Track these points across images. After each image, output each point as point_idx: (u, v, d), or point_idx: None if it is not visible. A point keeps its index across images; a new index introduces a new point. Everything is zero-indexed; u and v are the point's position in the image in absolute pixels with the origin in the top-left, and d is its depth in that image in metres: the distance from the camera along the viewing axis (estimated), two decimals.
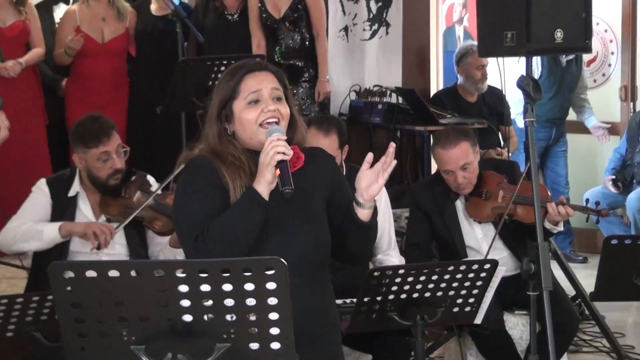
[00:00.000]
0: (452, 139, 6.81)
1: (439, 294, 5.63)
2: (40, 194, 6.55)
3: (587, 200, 6.98)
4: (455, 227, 6.89)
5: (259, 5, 9.16)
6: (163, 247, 6.51)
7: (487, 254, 6.48)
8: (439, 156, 6.85)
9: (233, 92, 4.22)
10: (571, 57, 11.27)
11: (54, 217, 6.47)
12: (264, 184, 4.02)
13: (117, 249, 6.47)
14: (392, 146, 4.07)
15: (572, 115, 12.06)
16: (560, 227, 6.92)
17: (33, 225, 6.34)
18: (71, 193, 6.52)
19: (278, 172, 3.99)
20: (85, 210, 6.52)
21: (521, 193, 6.63)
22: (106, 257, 6.30)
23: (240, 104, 4.21)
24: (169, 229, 6.41)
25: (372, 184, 4.09)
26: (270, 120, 4.18)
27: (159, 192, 6.42)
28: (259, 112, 4.17)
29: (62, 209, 6.51)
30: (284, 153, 4.01)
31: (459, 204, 6.92)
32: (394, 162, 4.08)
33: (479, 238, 6.82)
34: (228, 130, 4.23)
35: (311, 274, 4.21)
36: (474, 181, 6.82)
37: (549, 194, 7.10)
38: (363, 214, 4.15)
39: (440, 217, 6.93)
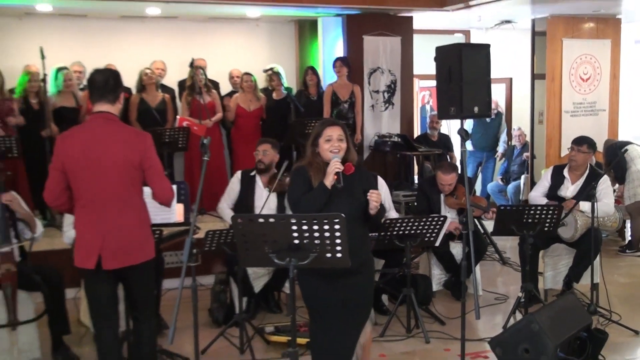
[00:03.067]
0: (448, 171, 6.81)
1: (418, 231, 5.61)
2: (234, 181, 6.54)
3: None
4: (437, 206, 6.85)
5: (332, 94, 9.07)
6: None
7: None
8: (440, 177, 6.80)
9: (320, 133, 4.20)
10: (493, 117, 11.12)
11: (242, 190, 6.48)
12: (328, 182, 4.05)
13: (272, 205, 6.41)
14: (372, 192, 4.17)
15: None
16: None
17: (229, 213, 6.32)
18: (252, 174, 6.48)
19: (336, 177, 4.05)
20: (259, 184, 6.47)
21: (472, 201, 6.66)
22: (266, 210, 6.28)
23: (322, 139, 4.18)
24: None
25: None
26: (334, 150, 4.16)
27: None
28: (330, 145, 4.16)
29: (248, 184, 6.48)
30: (338, 168, 4.05)
31: (442, 196, 6.86)
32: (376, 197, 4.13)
33: (447, 213, 6.68)
34: (316, 150, 4.20)
35: (354, 222, 4.13)
36: (452, 190, 6.77)
37: (485, 201, 7.26)
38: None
39: (432, 200, 6.91)
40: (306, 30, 10.99)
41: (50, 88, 8.24)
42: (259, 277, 6.35)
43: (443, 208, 6.90)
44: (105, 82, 4.18)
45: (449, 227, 6.64)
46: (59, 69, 8.37)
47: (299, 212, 4.19)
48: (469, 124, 11.27)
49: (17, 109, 8.01)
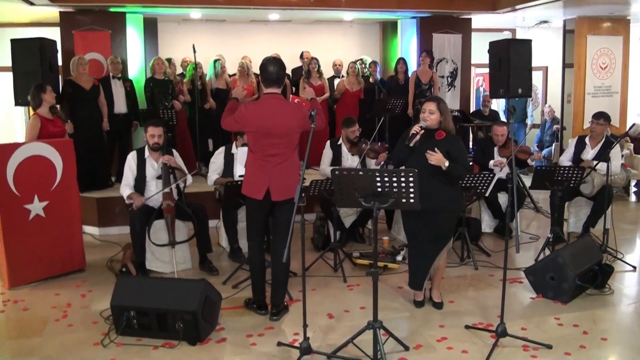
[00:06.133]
0: (501, 124, 6.70)
1: (475, 184, 5.48)
2: (327, 148, 6.48)
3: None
4: (491, 155, 6.60)
5: (416, 78, 8.78)
6: (373, 164, 6.38)
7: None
8: (495, 129, 6.64)
9: (422, 106, 4.29)
10: (523, 99, 10.72)
11: (333, 154, 6.41)
12: (411, 142, 4.16)
13: (354, 164, 6.38)
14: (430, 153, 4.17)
15: None
16: (533, 163, 6.88)
17: (327, 169, 6.33)
18: (338, 143, 6.41)
19: (410, 137, 4.16)
20: (344, 150, 6.41)
21: (520, 148, 6.64)
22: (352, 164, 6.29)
23: (421, 111, 4.25)
24: (375, 157, 6.34)
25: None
26: (426, 119, 4.23)
27: (369, 144, 6.32)
28: (422, 116, 4.24)
29: (337, 151, 6.41)
30: (414, 131, 4.13)
31: (496, 149, 6.63)
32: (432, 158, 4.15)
33: (502, 160, 6.51)
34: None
35: (435, 174, 4.21)
36: (504, 141, 6.57)
37: (529, 149, 6.92)
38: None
39: (486, 151, 6.65)
40: (388, 29, 10.80)
41: (209, 73, 8.42)
42: (348, 215, 6.39)
43: (496, 156, 6.62)
44: (277, 73, 4.24)
45: (493, 164, 6.55)
46: (215, 60, 8.51)
47: (394, 160, 4.43)
48: (501, 103, 11.04)
49: (186, 89, 8.25)
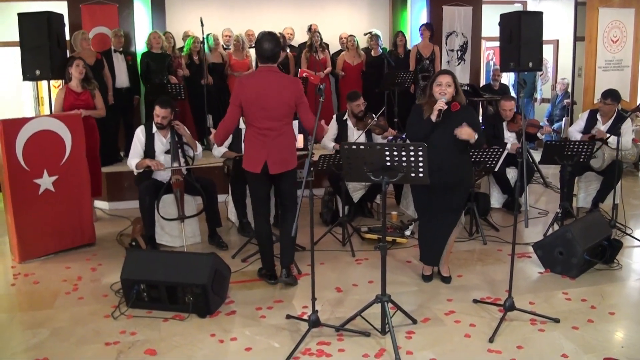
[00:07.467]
0: (508, 99, 6.64)
1: (484, 159, 5.44)
2: (333, 123, 6.43)
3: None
4: (501, 131, 6.57)
5: (417, 53, 8.77)
6: (379, 140, 6.33)
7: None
8: (502, 104, 6.61)
9: (435, 79, 4.22)
10: (532, 73, 10.62)
11: (339, 130, 6.39)
12: (433, 116, 4.09)
13: (361, 139, 6.34)
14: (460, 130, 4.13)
15: None
16: (543, 137, 7.00)
17: (330, 144, 6.34)
18: (344, 118, 6.36)
19: (437, 113, 4.07)
20: (349, 125, 6.37)
21: (529, 122, 6.64)
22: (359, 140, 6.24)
23: (435, 84, 4.19)
24: (381, 133, 6.31)
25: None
26: (442, 93, 4.16)
27: (377, 118, 6.28)
28: (439, 89, 4.17)
29: (343, 126, 6.38)
30: (441, 107, 4.06)
31: (504, 124, 6.58)
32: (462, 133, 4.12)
33: (509, 136, 6.54)
34: (431, 92, 4.22)
35: (453, 148, 4.20)
36: (512, 115, 6.54)
37: (539, 122, 6.95)
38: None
39: (496, 127, 6.59)
40: (398, 1, 10.65)
41: (205, 48, 8.34)
42: (356, 190, 6.39)
43: (506, 132, 6.60)
44: (272, 51, 4.23)
45: (512, 149, 6.46)
46: (208, 34, 8.44)
47: (410, 136, 4.31)
48: (511, 77, 10.94)
49: (184, 63, 8.19)
